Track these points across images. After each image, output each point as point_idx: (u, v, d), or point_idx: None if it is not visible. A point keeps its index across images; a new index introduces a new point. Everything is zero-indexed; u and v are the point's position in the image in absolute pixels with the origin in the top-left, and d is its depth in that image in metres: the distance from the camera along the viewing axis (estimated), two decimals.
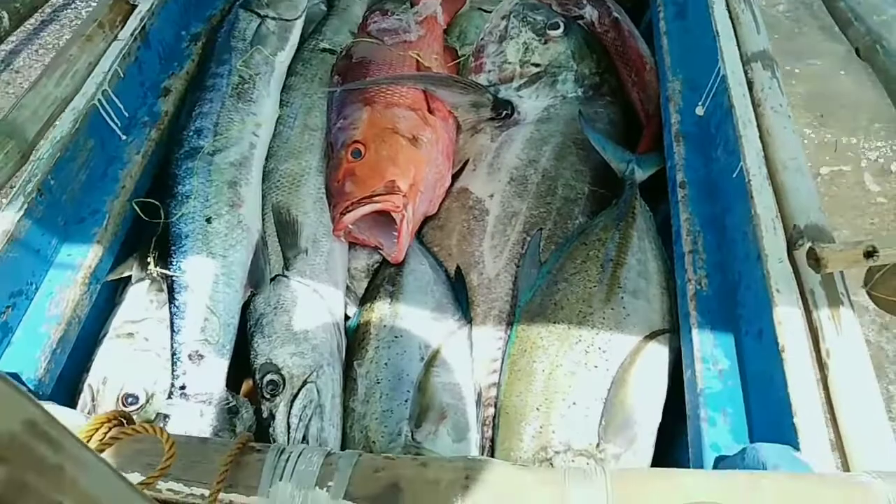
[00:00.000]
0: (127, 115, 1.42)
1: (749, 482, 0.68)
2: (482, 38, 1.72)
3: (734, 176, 1.16)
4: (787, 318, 0.91)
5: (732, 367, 1.01)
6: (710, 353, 1.03)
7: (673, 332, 1.16)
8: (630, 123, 1.57)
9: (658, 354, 1.13)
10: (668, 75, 1.49)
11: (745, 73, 1.30)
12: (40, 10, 1.64)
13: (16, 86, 2.66)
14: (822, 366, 0.87)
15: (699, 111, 1.39)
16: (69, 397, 1.12)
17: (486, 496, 0.68)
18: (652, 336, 1.15)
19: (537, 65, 1.60)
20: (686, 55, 1.52)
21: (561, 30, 1.64)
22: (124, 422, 0.73)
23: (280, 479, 0.71)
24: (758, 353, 0.97)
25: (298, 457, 0.74)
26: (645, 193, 1.40)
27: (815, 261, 0.88)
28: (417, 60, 1.62)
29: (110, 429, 0.71)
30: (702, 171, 1.30)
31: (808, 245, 0.96)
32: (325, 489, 0.71)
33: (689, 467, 0.97)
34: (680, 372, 1.08)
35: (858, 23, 1.32)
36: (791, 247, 1.01)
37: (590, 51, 1.63)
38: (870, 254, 0.84)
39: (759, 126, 1.20)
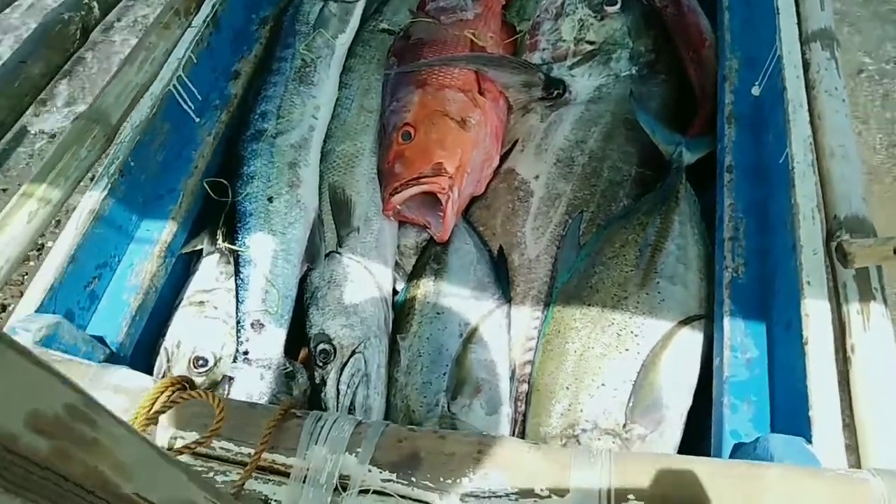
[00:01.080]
0: (200, 98, 1.53)
1: (747, 472, 0.71)
2: (538, 15, 1.72)
3: (780, 161, 1.15)
4: (815, 311, 0.91)
5: (761, 356, 1.02)
6: (740, 342, 1.04)
7: (709, 319, 1.17)
8: (685, 103, 1.55)
9: (691, 340, 1.15)
10: (726, 53, 1.45)
11: (803, 52, 1.26)
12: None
13: (103, 71, 2.87)
14: (846, 360, 0.88)
15: (755, 91, 1.36)
16: (147, 358, 1.26)
17: (494, 468, 0.75)
18: (686, 321, 1.17)
19: (592, 42, 1.60)
20: (747, 31, 1.47)
21: (618, 6, 1.62)
22: (186, 386, 0.84)
23: (315, 444, 0.81)
24: (785, 344, 0.97)
25: (333, 424, 0.83)
26: (697, 176, 1.39)
27: (843, 255, 0.88)
28: (472, 40, 1.65)
29: (173, 392, 0.82)
30: (751, 156, 1.28)
31: (845, 236, 0.95)
32: (353, 454, 0.80)
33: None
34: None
35: None
36: (829, 238, 1.00)
37: (647, 27, 1.60)
38: None
39: (811, 110, 1.16)
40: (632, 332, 1.15)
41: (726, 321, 1.07)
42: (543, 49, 1.65)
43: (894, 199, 2.21)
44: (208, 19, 1.57)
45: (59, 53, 1.60)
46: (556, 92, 1.55)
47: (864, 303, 0.91)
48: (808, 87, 1.20)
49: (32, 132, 2.78)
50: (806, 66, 1.23)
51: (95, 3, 1.71)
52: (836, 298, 0.94)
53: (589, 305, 1.19)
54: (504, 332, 1.26)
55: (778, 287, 1.06)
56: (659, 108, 1.50)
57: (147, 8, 3.03)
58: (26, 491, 0.31)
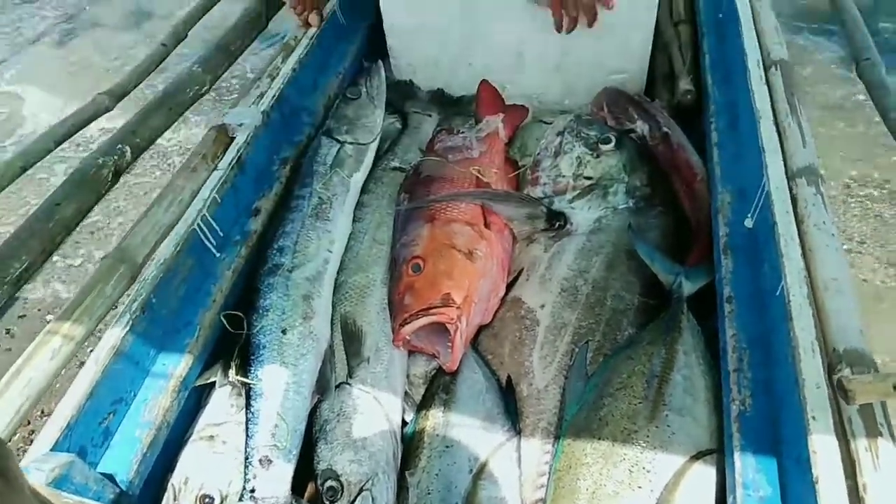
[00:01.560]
0: (222, 234, 1.62)
1: None
2: (538, 154, 1.84)
3: (777, 294, 1.18)
4: (822, 448, 0.91)
5: (774, 494, 1.00)
6: (752, 479, 1.03)
7: (721, 453, 1.16)
8: (682, 234, 1.61)
9: (704, 476, 1.13)
10: (718, 187, 1.53)
11: (790, 188, 1.33)
12: (155, 144, 1.92)
13: (130, 212, 3.06)
14: (859, 500, 0.86)
15: (748, 223, 1.42)
16: (155, 495, 1.26)
17: None
18: (699, 456, 1.15)
19: (590, 177, 1.70)
20: (736, 167, 1.56)
21: (612, 144, 1.73)
22: None
23: None
24: (798, 481, 0.96)
25: None
26: (699, 305, 1.42)
27: (844, 392, 0.89)
28: (477, 176, 1.76)
29: None
30: (750, 286, 1.31)
31: (845, 371, 0.96)
32: None
33: None
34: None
35: None
36: (831, 371, 1.01)
37: (641, 163, 1.71)
38: None
39: (802, 243, 1.21)
40: (644, 469, 1.14)
41: (737, 456, 1.06)
42: (544, 184, 1.75)
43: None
44: (233, 162, 1.69)
45: (92, 195, 1.71)
46: (557, 224, 1.63)
47: (871, 439, 0.90)
48: (798, 222, 1.26)
49: None
50: (794, 200, 1.30)
51: (128, 148, 1.86)
52: (843, 436, 0.94)
53: (599, 439, 1.19)
54: (514, 467, 1.25)
55: (785, 420, 1.05)
56: (657, 238, 1.56)
57: (176, 156, 3.26)
58: None
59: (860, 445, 0.91)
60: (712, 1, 2.15)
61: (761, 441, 1.07)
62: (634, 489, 1.11)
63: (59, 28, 4.48)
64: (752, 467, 1.04)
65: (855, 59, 1.70)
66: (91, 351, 1.27)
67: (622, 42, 2.02)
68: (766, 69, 1.65)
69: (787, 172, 1.36)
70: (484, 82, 2.15)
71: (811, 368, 1.01)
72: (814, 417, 0.95)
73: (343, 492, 1.24)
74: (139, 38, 4.37)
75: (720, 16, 2.08)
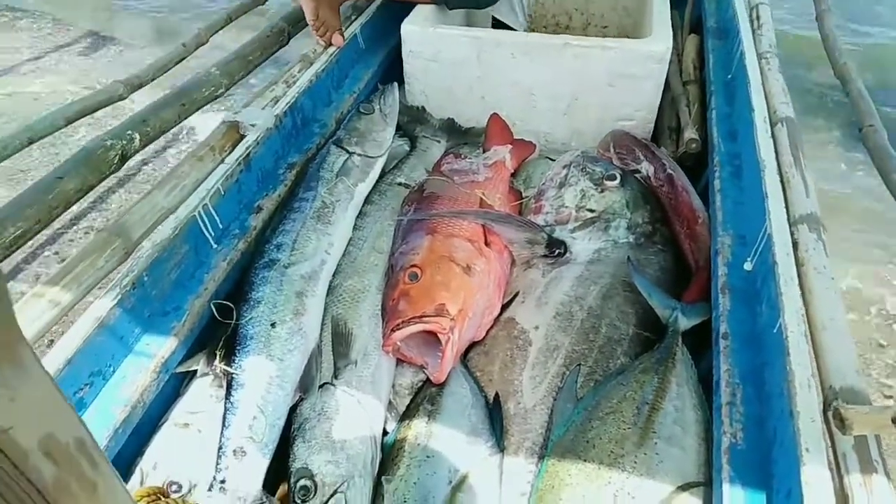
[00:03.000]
0: (221, 226, 1.61)
1: None
2: (543, 183, 1.86)
3: (774, 331, 1.18)
4: (815, 480, 0.89)
5: None
6: None
7: (708, 486, 1.14)
8: (680, 272, 1.62)
9: None
10: (718, 230, 1.55)
11: (791, 233, 1.35)
12: (165, 134, 1.92)
13: (134, 194, 3.04)
14: None
15: (748, 266, 1.43)
16: (124, 474, 1.20)
17: None
18: (685, 487, 1.13)
19: (592, 210, 1.71)
20: (738, 212, 1.59)
21: (617, 181, 1.76)
22: (161, 497, 0.80)
23: None
24: None
25: None
26: (692, 342, 1.42)
27: (840, 421, 0.88)
28: (481, 198, 1.77)
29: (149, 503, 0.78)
30: (746, 325, 1.31)
31: (842, 405, 0.95)
32: None
33: None
34: None
35: None
36: (826, 407, 1.00)
37: (644, 202, 1.73)
38: None
39: (801, 285, 1.22)
40: (629, 494, 1.11)
41: (725, 488, 1.04)
42: (547, 212, 1.77)
43: None
44: (240, 159, 1.70)
45: (95, 175, 1.71)
46: (557, 251, 1.63)
47: (865, 474, 0.89)
48: (798, 265, 1.27)
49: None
50: (795, 245, 1.31)
51: (137, 135, 1.86)
52: (837, 469, 0.92)
53: (585, 461, 1.16)
54: (496, 483, 1.21)
55: (777, 455, 1.04)
56: (655, 274, 1.56)
57: (184, 145, 3.27)
58: None
59: (854, 481, 0.89)
60: (722, 62, 2.23)
61: (751, 474, 1.05)
62: None
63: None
64: (741, 499, 1.02)
65: (859, 126, 1.76)
66: (75, 320, 1.24)
67: (632, 90, 2.08)
68: (772, 125, 1.70)
69: (788, 219, 1.38)
70: (495, 115, 2.19)
71: (806, 402, 1.00)
72: (807, 450, 0.94)
73: (316, 492, 1.19)
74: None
75: (729, 76, 2.15)
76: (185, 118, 2.07)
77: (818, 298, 1.18)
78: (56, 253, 2.93)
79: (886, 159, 1.54)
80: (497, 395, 1.35)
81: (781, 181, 1.50)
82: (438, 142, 2.20)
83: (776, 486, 1.00)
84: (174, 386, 1.39)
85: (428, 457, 1.24)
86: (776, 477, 1.01)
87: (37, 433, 0.31)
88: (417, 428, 1.30)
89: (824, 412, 0.99)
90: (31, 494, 0.31)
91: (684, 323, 1.41)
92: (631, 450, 1.16)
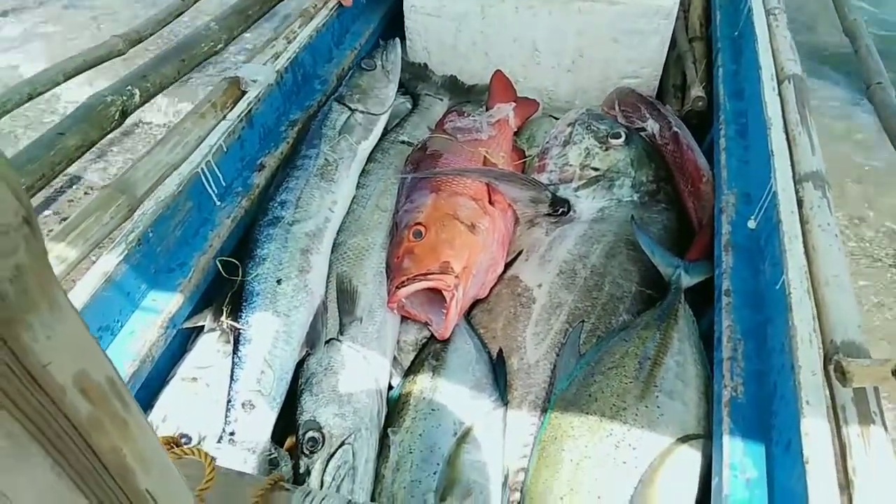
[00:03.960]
0: (224, 184, 1.60)
1: None
2: (548, 142, 1.85)
3: (777, 287, 1.19)
4: (814, 430, 0.91)
5: (760, 476, 1.00)
6: (740, 461, 1.03)
7: (708, 439, 1.16)
8: (683, 231, 1.62)
9: (689, 458, 1.13)
10: (723, 188, 1.55)
11: (797, 191, 1.34)
12: (165, 90, 1.90)
13: (136, 152, 3.01)
14: (848, 483, 0.86)
15: (751, 224, 1.43)
16: None
17: None
18: (685, 439, 1.15)
19: (596, 169, 1.71)
20: (743, 171, 1.58)
21: (622, 139, 1.75)
22: (174, 446, 0.81)
23: None
24: (785, 464, 0.96)
25: (322, 501, 0.80)
26: (694, 299, 1.43)
27: (841, 374, 0.89)
28: (485, 157, 1.76)
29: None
30: (748, 282, 1.32)
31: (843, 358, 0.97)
32: None
33: None
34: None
35: None
36: (826, 361, 1.01)
37: (648, 160, 1.72)
38: None
39: (805, 242, 1.23)
40: (629, 445, 1.13)
41: (725, 439, 1.06)
42: (551, 171, 1.76)
43: None
44: (242, 115, 1.68)
45: (97, 131, 1.69)
46: (561, 210, 1.63)
47: (863, 425, 0.91)
48: (803, 222, 1.27)
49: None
50: (800, 202, 1.31)
51: (137, 91, 1.84)
52: (836, 421, 0.94)
53: (587, 414, 1.18)
54: (499, 436, 1.24)
55: (777, 407, 1.06)
56: (658, 233, 1.57)
57: (185, 103, 3.22)
58: (60, 455, 0.32)
59: (852, 431, 0.91)
60: (729, 19, 2.19)
61: (750, 427, 1.07)
62: (619, 464, 1.11)
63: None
64: (741, 450, 1.04)
65: (866, 83, 1.74)
66: (82, 276, 1.25)
67: (638, 47, 2.05)
68: (779, 83, 1.68)
69: (794, 177, 1.38)
70: (498, 72, 2.16)
71: (808, 357, 1.02)
72: (808, 402, 0.96)
73: (324, 443, 1.22)
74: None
75: (736, 33, 2.11)
76: (185, 74, 2.04)
77: (822, 255, 1.18)
78: (56, 213, 2.92)
79: (892, 116, 1.53)
80: (500, 350, 1.37)
81: (787, 139, 1.49)
82: (441, 99, 2.17)
83: (776, 438, 1.03)
84: (181, 341, 1.40)
85: (433, 410, 1.26)
86: (776, 428, 1.04)
87: (72, 370, 0.31)
88: (422, 383, 1.32)
89: (825, 366, 1.01)
90: (67, 430, 0.31)
91: (687, 280, 1.42)
92: (633, 403, 1.18)
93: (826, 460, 0.88)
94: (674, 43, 2.13)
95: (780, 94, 1.63)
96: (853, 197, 2.77)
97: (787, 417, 1.00)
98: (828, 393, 0.98)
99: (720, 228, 1.46)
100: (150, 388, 1.28)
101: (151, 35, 2.18)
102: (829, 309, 1.08)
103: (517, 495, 1.18)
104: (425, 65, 2.28)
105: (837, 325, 1.05)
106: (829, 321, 1.07)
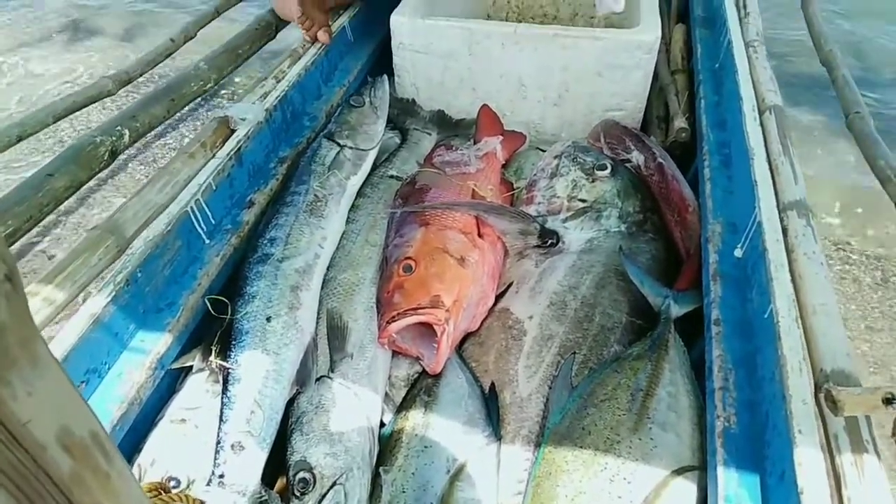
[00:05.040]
0: (213, 222, 1.60)
1: None
2: (535, 174, 1.87)
3: (765, 316, 1.20)
4: (808, 460, 0.91)
5: None
6: (735, 493, 1.02)
7: (703, 470, 1.15)
8: (671, 260, 1.63)
9: (685, 491, 1.12)
10: (709, 218, 1.56)
11: (781, 220, 1.36)
12: (155, 130, 1.91)
13: (126, 190, 3.00)
14: None
15: (738, 253, 1.45)
16: None
17: None
18: (680, 471, 1.14)
19: (584, 200, 1.72)
20: (727, 200, 1.60)
21: (608, 171, 1.77)
22: (162, 492, 0.80)
23: None
24: (780, 495, 0.96)
25: None
26: (685, 329, 1.43)
27: (832, 403, 0.89)
28: (474, 190, 1.77)
29: (152, 497, 0.78)
30: (737, 311, 1.33)
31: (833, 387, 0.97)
32: None
33: None
34: None
35: None
36: (817, 390, 1.02)
37: (635, 191, 1.74)
38: (889, 400, 0.85)
39: (791, 270, 1.24)
40: (624, 479, 1.12)
41: (720, 471, 1.05)
42: (539, 203, 1.78)
43: None
44: (231, 153, 1.69)
45: (85, 171, 1.70)
46: (549, 241, 1.64)
47: (857, 454, 0.91)
48: (788, 251, 1.29)
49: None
50: (784, 231, 1.33)
51: (126, 131, 1.85)
52: (829, 450, 0.94)
53: (581, 448, 1.17)
54: (493, 472, 1.22)
55: (770, 437, 1.05)
56: (647, 263, 1.58)
57: (173, 141, 3.23)
58: None
59: (846, 460, 0.91)
60: (709, 51, 2.24)
61: (744, 457, 1.07)
62: (614, 498, 1.10)
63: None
64: (735, 482, 1.03)
65: (845, 112, 1.78)
66: (69, 318, 1.23)
67: (622, 81, 2.09)
68: (760, 113, 1.71)
69: (778, 206, 1.40)
70: (485, 106, 2.19)
71: (798, 386, 1.02)
72: (800, 431, 0.95)
73: (315, 484, 1.20)
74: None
75: (717, 66, 2.16)
76: (175, 113, 2.06)
77: (809, 283, 1.20)
78: (44, 251, 2.91)
79: (872, 146, 1.56)
80: (493, 384, 1.36)
81: (770, 169, 1.52)
82: (429, 134, 2.20)
83: (770, 469, 1.02)
84: (170, 382, 1.39)
85: (425, 447, 1.25)
86: (769, 459, 1.03)
87: (54, 426, 0.31)
88: (414, 419, 1.31)
89: (816, 395, 1.01)
90: (47, 487, 0.31)
91: (676, 310, 1.42)
92: (626, 435, 1.18)
93: (821, 491, 0.88)
94: (656, 76, 2.18)
95: (761, 124, 1.66)
96: (837, 224, 2.80)
97: (781, 447, 0.99)
98: (820, 422, 0.98)
99: (707, 258, 1.47)
100: (137, 431, 1.26)
101: (141, 75, 2.21)
102: (818, 337, 1.09)
103: None
104: (413, 100, 2.31)
105: (826, 354, 1.05)
106: (818, 350, 1.07)
